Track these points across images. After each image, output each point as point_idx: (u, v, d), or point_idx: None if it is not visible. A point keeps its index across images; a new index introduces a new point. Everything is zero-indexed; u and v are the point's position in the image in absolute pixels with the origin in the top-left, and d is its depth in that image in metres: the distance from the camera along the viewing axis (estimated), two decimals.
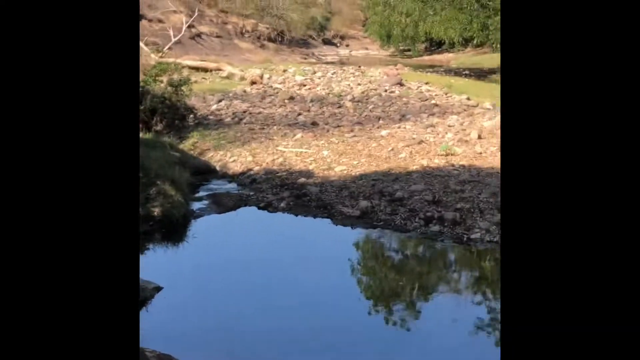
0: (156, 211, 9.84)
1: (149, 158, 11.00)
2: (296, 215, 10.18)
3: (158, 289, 7.37)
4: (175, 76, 16.43)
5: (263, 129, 15.61)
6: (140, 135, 13.40)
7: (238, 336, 6.45)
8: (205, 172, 12.61)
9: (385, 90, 20.72)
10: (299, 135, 14.55)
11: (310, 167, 12.22)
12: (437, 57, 47.92)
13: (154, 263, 8.63)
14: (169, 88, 16.15)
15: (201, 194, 11.39)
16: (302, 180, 11.46)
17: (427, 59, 47.83)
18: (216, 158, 13.68)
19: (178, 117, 16.39)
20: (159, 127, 15.74)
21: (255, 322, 6.69)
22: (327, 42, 58.60)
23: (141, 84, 15.74)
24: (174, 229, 9.78)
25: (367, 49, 58.47)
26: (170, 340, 6.16)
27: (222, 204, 10.74)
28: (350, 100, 18.98)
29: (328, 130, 15.06)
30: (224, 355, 5.84)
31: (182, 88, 16.32)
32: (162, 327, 6.59)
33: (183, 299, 7.40)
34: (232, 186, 12.05)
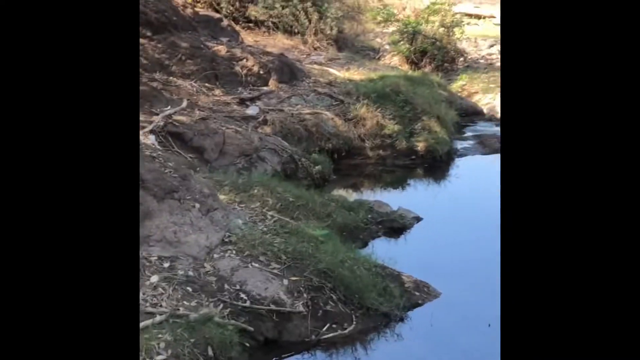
0: (420, 146, 9.63)
1: (416, 94, 10.77)
2: None
3: (418, 219, 7.15)
4: (448, 18, 15.88)
5: None
6: (414, 70, 13.29)
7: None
8: (472, 114, 12.13)
9: None
10: None
11: None
12: None
13: (415, 197, 8.42)
14: (441, 29, 15.69)
15: (467, 134, 10.90)
16: None
17: None
18: (484, 101, 13.07)
19: (448, 59, 15.93)
20: (427, 69, 15.45)
21: None
22: None
23: (413, 24, 15.55)
24: (436, 165, 9.48)
25: None
26: (427, 269, 5.89)
27: (488, 145, 10.20)
28: None
29: None
30: (483, 286, 5.41)
31: (454, 30, 15.76)
32: (420, 256, 6.37)
33: (440, 230, 7.11)
34: (497, 129, 11.39)
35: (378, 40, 19.70)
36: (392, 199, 7.84)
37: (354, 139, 9.61)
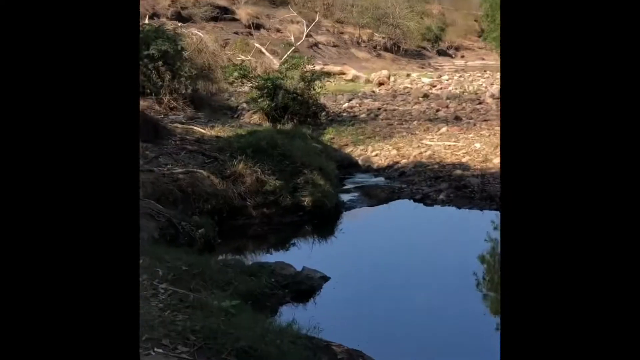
0: (306, 200, 8.93)
1: (292, 146, 10.15)
2: (459, 207, 8.97)
3: (325, 278, 6.39)
4: (308, 72, 15.60)
5: (402, 124, 14.60)
6: (276, 126, 12.70)
7: (423, 332, 5.36)
8: (347, 166, 11.68)
9: None
10: (444, 129, 13.40)
11: (464, 160, 11.02)
12: None
13: (311, 255, 7.68)
14: (301, 84, 15.35)
15: (348, 186, 10.39)
16: (459, 172, 10.28)
17: None
18: (356, 153, 12.74)
19: (310, 114, 15.58)
20: (289, 125, 14.96)
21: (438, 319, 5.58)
22: (442, 52, 57.18)
23: (273, 79, 15.10)
24: (325, 220, 8.82)
25: (483, 59, 56.56)
26: (352, 333, 5.13)
27: (373, 196, 9.74)
28: (490, 97, 17.67)
29: (475, 124, 13.86)
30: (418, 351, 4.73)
31: (315, 84, 15.48)
32: (340, 319, 5.60)
33: (350, 288, 6.41)
34: (379, 179, 11.04)
35: (233, 99, 19.13)
36: (288, 260, 7.05)
37: (235, 197, 8.76)
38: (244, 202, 8.83)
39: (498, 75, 23.57)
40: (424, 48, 53.57)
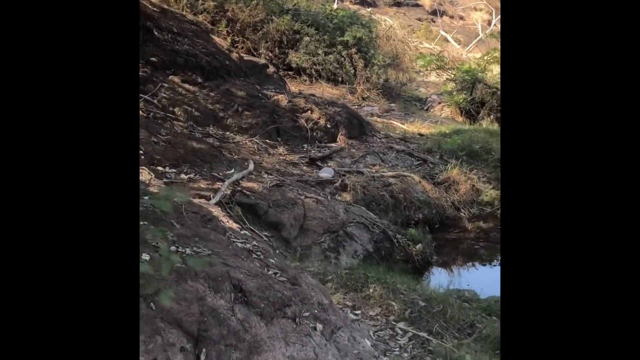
0: None
1: None
2: None
3: None
4: None
5: None
6: (457, 125, 11.64)
7: None
8: None
9: None
10: None
11: None
12: None
13: None
14: None
15: None
16: None
17: None
18: None
19: None
20: (484, 122, 13.77)
21: None
22: None
23: (473, 71, 13.98)
24: None
25: None
26: None
27: None
28: None
29: None
30: None
31: None
32: None
33: None
34: None
35: (422, 90, 18.20)
36: None
37: (447, 207, 7.86)
38: (458, 212, 7.91)
39: None
40: None
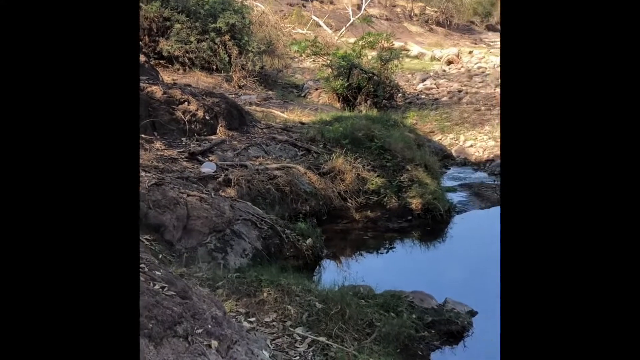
0: (414, 203, 7.83)
1: (391, 137, 9.03)
2: None
3: (472, 313, 5.32)
4: (384, 51, 14.38)
5: (490, 109, 13.32)
6: (346, 112, 11.57)
7: None
8: (441, 158, 10.49)
9: None
10: None
11: None
12: None
13: (446, 275, 6.59)
14: (379, 62, 14.17)
15: (450, 183, 9.24)
16: None
17: None
18: (446, 142, 11.59)
19: (386, 95, 14.41)
20: (362, 107, 13.80)
21: None
22: (491, 28, 55.41)
23: (349, 57, 13.94)
24: (437, 226, 7.72)
25: None
26: None
27: (484, 197, 8.59)
28: None
29: None
30: None
31: (393, 63, 14.29)
32: None
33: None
34: (481, 175, 9.89)
35: (298, 76, 18.04)
36: (412, 282, 6.00)
37: (334, 197, 7.71)
38: (345, 202, 7.77)
39: None
40: (473, 23, 51.99)
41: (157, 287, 3.48)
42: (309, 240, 6.47)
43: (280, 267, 5.87)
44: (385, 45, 14.55)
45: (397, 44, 23.13)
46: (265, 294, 4.53)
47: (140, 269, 3.60)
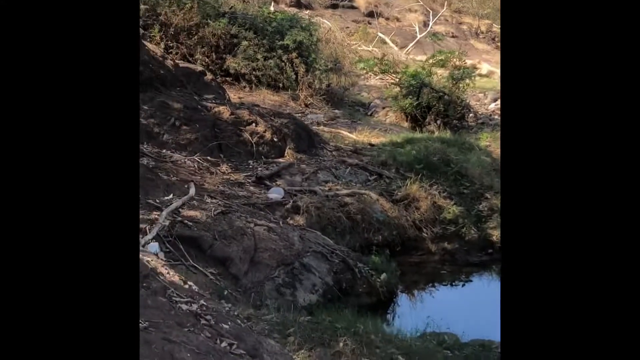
0: (495, 235, 7.25)
1: (468, 161, 8.48)
2: None
3: None
4: (456, 69, 13.81)
5: None
6: (408, 134, 11.07)
7: None
8: None
9: None
10: None
11: None
12: None
13: None
14: (450, 81, 13.60)
15: None
16: None
17: None
18: None
19: (457, 116, 13.82)
20: (431, 127, 13.24)
21: None
22: None
23: (420, 75, 13.42)
24: None
25: None
26: None
27: None
28: None
29: None
30: None
31: (465, 82, 13.70)
32: None
33: None
34: None
35: (364, 94, 17.60)
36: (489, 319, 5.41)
37: (408, 227, 7.20)
38: (419, 232, 7.26)
39: None
40: None
41: (224, 344, 3.06)
42: (383, 276, 5.98)
43: (352, 305, 5.41)
44: (457, 63, 13.97)
45: (468, 62, 22.51)
46: (341, 344, 4.06)
47: (206, 321, 3.19)
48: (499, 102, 16.00)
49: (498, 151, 11.47)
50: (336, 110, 13.71)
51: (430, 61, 14.24)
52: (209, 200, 6.00)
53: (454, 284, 6.89)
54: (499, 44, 41.34)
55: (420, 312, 5.97)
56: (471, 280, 6.86)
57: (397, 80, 14.14)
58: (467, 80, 13.83)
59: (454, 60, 14.04)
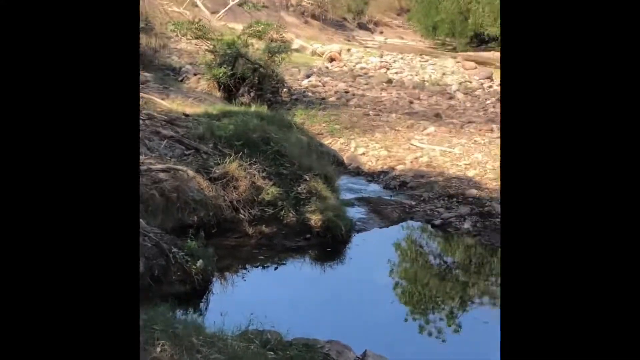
0: (314, 219, 7.07)
1: (288, 140, 8.23)
2: (492, 243, 7.40)
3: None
4: (273, 42, 13.53)
5: (378, 115, 12.89)
6: (224, 105, 10.67)
7: None
8: (334, 165, 9.80)
9: (482, 84, 18.04)
10: (431, 129, 11.75)
11: (470, 174, 9.46)
12: (484, 54, 44.86)
13: (360, 313, 5.88)
14: (266, 54, 13.30)
15: (346, 195, 8.57)
16: (474, 192, 8.71)
17: (472, 54, 44.70)
18: (336, 146, 10.96)
19: (271, 89, 13.59)
20: (245, 99, 12.89)
21: None
22: (362, 26, 55.99)
23: (237, 45, 12.95)
24: (337, 247, 7.02)
25: (402, 38, 55.73)
26: None
27: (383, 215, 8.00)
28: (457, 91, 16.29)
29: (462, 127, 12.30)
30: None
31: (281, 56, 13.47)
32: None
33: None
34: (376, 187, 9.31)
35: (174, 57, 16.77)
36: (320, 324, 5.26)
37: (225, 208, 6.79)
38: (236, 214, 6.87)
39: (443, 63, 22.21)
40: (345, 19, 52.37)
41: None
42: (199, 263, 5.53)
43: (165, 295, 4.94)
44: (275, 36, 13.69)
45: (275, 35, 22.35)
46: (159, 349, 3.58)
47: None
48: (312, 78, 16.03)
49: (311, 128, 11.41)
50: (146, 74, 12.84)
51: (247, 31, 13.80)
52: None
53: (265, 266, 6.61)
54: (307, 18, 41.89)
55: (233, 297, 5.64)
56: (288, 267, 6.63)
57: (212, 47, 13.55)
58: (284, 55, 13.61)
59: (272, 32, 13.73)
